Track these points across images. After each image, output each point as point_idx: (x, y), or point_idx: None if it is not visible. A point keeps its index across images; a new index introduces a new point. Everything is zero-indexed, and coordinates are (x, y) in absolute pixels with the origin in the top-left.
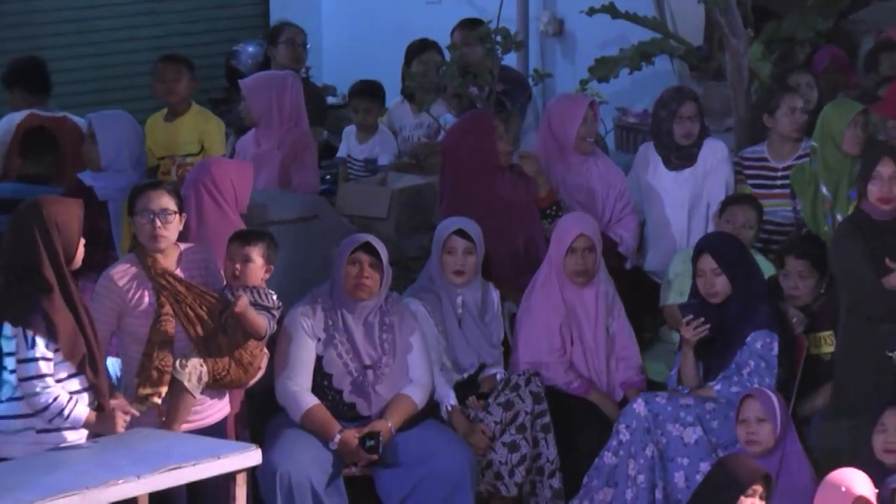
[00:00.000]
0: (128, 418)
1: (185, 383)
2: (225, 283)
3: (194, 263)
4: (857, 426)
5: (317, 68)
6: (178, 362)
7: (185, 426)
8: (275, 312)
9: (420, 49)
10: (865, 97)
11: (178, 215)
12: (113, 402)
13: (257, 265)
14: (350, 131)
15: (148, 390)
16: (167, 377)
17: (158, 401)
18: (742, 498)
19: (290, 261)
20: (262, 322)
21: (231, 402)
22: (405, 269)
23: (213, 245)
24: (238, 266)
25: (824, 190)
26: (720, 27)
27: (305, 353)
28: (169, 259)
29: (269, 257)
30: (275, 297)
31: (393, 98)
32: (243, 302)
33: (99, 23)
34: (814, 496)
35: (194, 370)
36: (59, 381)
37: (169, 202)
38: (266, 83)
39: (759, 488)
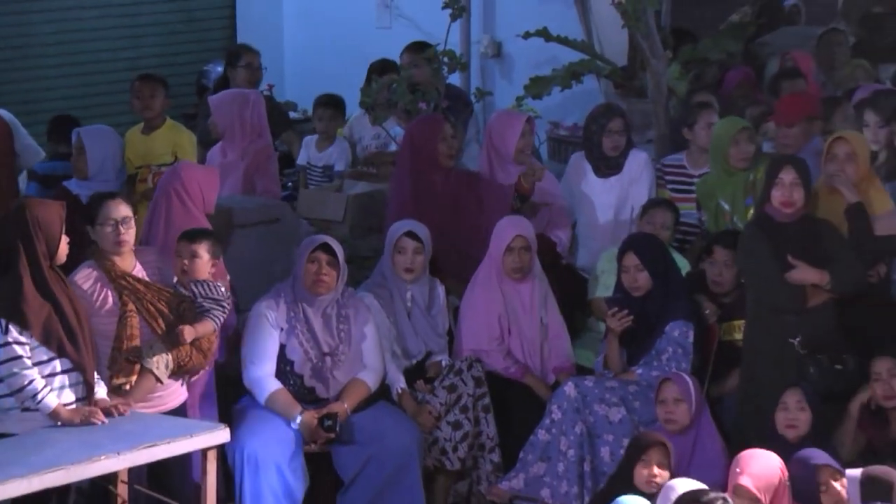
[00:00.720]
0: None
1: (154, 371)
2: (175, 279)
3: (148, 264)
4: (762, 405)
5: (279, 86)
6: (145, 353)
7: (151, 409)
8: (225, 304)
9: (381, 69)
10: (770, 114)
11: (133, 223)
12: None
13: (204, 261)
14: (310, 141)
15: (121, 380)
16: (137, 367)
17: (129, 388)
18: (638, 465)
19: (255, 259)
20: (210, 326)
21: (198, 385)
22: (359, 267)
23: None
24: (186, 262)
25: (722, 202)
26: (642, 50)
27: (270, 342)
28: (126, 262)
29: (214, 253)
30: (223, 288)
31: (351, 111)
32: (188, 333)
33: (84, 45)
34: (724, 468)
35: (161, 359)
36: (38, 363)
37: (127, 210)
38: (231, 100)
39: (654, 455)
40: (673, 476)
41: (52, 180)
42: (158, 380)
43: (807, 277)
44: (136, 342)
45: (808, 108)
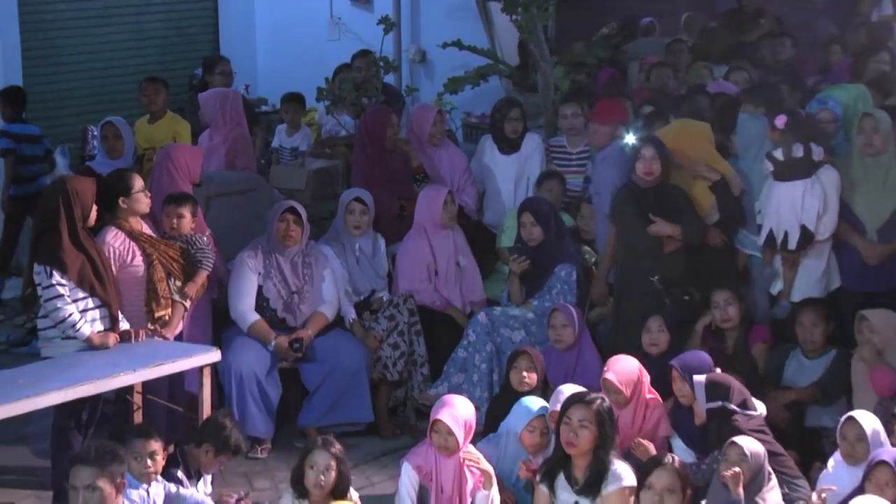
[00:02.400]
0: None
1: (182, 301)
2: (165, 234)
3: (148, 225)
4: (630, 329)
5: (253, 85)
6: (175, 293)
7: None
8: (208, 251)
9: (340, 69)
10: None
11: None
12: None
13: (187, 219)
14: (281, 129)
15: (162, 312)
16: (170, 300)
17: (167, 318)
18: (512, 372)
19: (237, 220)
20: (204, 275)
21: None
22: (318, 226)
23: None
24: (175, 221)
25: None
26: (533, 55)
27: (250, 284)
28: (138, 223)
29: (194, 212)
30: (205, 238)
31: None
32: (190, 289)
33: (99, 55)
34: (600, 377)
35: (185, 292)
36: (76, 300)
37: (141, 183)
38: (214, 97)
39: (522, 362)
40: (540, 378)
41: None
42: (185, 307)
43: (663, 230)
44: (164, 283)
45: (618, 114)
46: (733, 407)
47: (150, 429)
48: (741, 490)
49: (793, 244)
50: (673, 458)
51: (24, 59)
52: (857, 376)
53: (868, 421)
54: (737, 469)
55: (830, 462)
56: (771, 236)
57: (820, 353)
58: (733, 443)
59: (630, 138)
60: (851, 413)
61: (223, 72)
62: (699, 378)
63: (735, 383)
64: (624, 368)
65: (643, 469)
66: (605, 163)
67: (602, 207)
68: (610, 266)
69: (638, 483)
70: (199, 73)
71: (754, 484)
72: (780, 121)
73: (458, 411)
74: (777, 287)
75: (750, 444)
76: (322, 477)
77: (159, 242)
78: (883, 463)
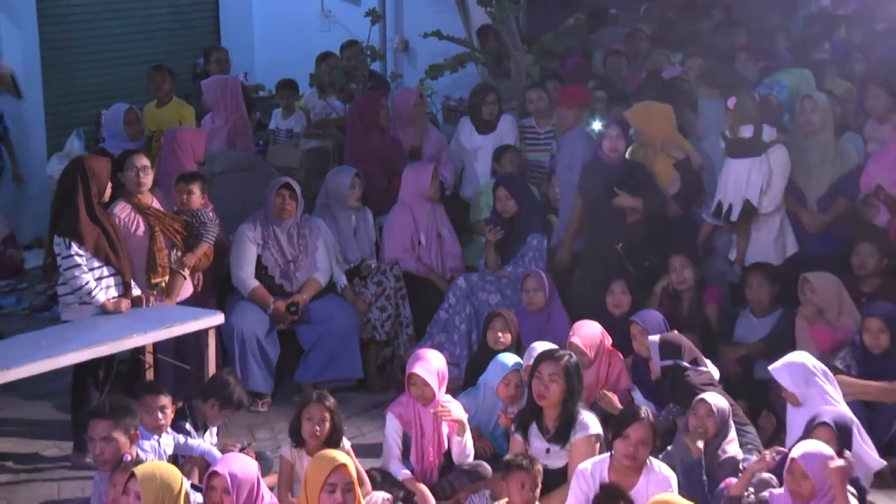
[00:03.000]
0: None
1: (180, 271)
2: (175, 208)
3: (158, 199)
4: (596, 292)
5: (251, 72)
6: (173, 262)
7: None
8: (211, 225)
9: (323, 57)
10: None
11: (150, 171)
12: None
13: (196, 195)
14: (277, 112)
15: (158, 279)
16: (168, 269)
17: (164, 285)
18: (488, 332)
19: (238, 196)
20: (204, 247)
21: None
22: (312, 200)
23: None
24: (185, 197)
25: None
26: (506, 45)
27: (250, 253)
28: (146, 198)
29: (203, 189)
30: (210, 214)
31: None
32: (188, 259)
33: (111, 46)
34: (568, 335)
35: (182, 262)
36: (92, 269)
37: (146, 161)
38: (215, 83)
39: (497, 323)
40: (514, 337)
41: None
42: (183, 277)
43: (626, 202)
44: (164, 253)
45: (581, 98)
46: (685, 364)
47: (160, 385)
48: (701, 445)
49: (734, 216)
50: (648, 412)
51: (41, 51)
52: (801, 333)
53: (799, 359)
54: (700, 443)
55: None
56: (719, 207)
57: (767, 312)
58: (702, 399)
59: (596, 124)
60: (789, 357)
61: (218, 60)
62: (654, 338)
63: (686, 342)
64: (588, 333)
65: (620, 420)
66: (571, 142)
67: (568, 181)
68: (573, 234)
69: (613, 433)
70: (202, 62)
71: (718, 437)
72: (731, 102)
73: (430, 364)
74: (733, 254)
75: (717, 401)
76: (317, 428)
77: (165, 216)
78: (823, 424)
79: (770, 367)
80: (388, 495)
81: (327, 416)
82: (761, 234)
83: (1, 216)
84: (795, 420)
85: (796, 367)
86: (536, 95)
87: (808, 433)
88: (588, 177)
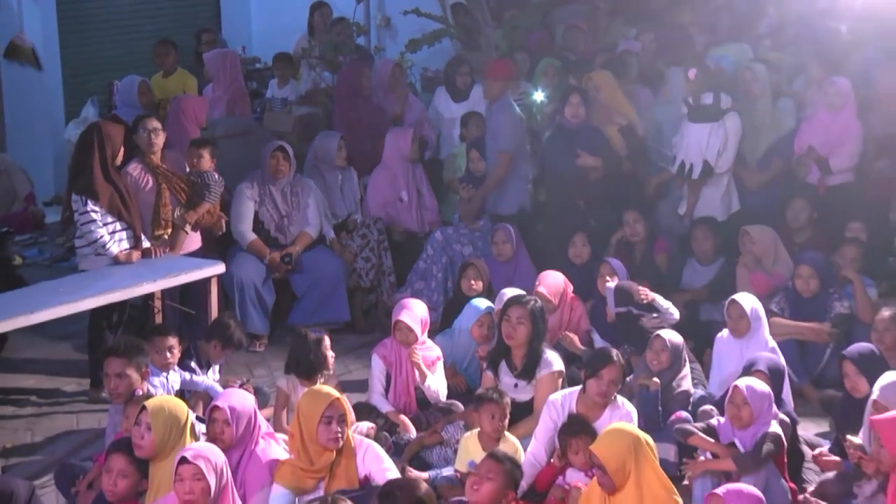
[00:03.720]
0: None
1: (183, 227)
2: (188, 169)
3: (170, 160)
4: (560, 245)
5: (249, 46)
6: (175, 214)
7: (180, 252)
8: (214, 186)
9: (317, 6)
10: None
11: (161, 132)
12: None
13: (205, 158)
14: (273, 82)
15: (161, 231)
16: (170, 223)
17: (166, 237)
18: (462, 280)
19: (238, 158)
20: (206, 206)
21: (205, 239)
22: (302, 161)
23: (180, 147)
24: (195, 160)
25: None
26: (477, 21)
27: (247, 209)
28: (157, 158)
29: (213, 154)
30: (216, 176)
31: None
32: (189, 217)
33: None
34: (534, 283)
35: (184, 217)
36: (106, 223)
37: (157, 124)
38: (216, 56)
39: (470, 272)
40: (485, 284)
41: None
42: (185, 232)
43: (587, 162)
44: (168, 209)
45: (508, 72)
46: (637, 311)
47: (168, 328)
48: (657, 381)
49: (696, 174)
50: (619, 356)
51: (59, 26)
52: (741, 279)
53: (748, 301)
54: (656, 379)
55: (721, 333)
56: (681, 167)
57: (711, 261)
58: (658, 335)
59: (539, 95)
60: (734, 296)
61: (209, 41)
62: (610, 286)
63: (638, 289)
64: (552, 282)
65: (594, 362)
66: (497, 112)
67: (496, 147)
68: (490, 191)
69: (587, 373)
70: (204, 37)
71: (672, 369)
72: (692, 73)
73: (414, 312)
74: (682, 208)
75: (672, 336)
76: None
77: (173, 175)
78: (759, 371)
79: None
80: (371, 424)
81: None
82: (711, 191)
83: (24, 176)
84: (722, 350)
85: (752, 301)
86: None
87: (746, 373)
88: (552, 141)
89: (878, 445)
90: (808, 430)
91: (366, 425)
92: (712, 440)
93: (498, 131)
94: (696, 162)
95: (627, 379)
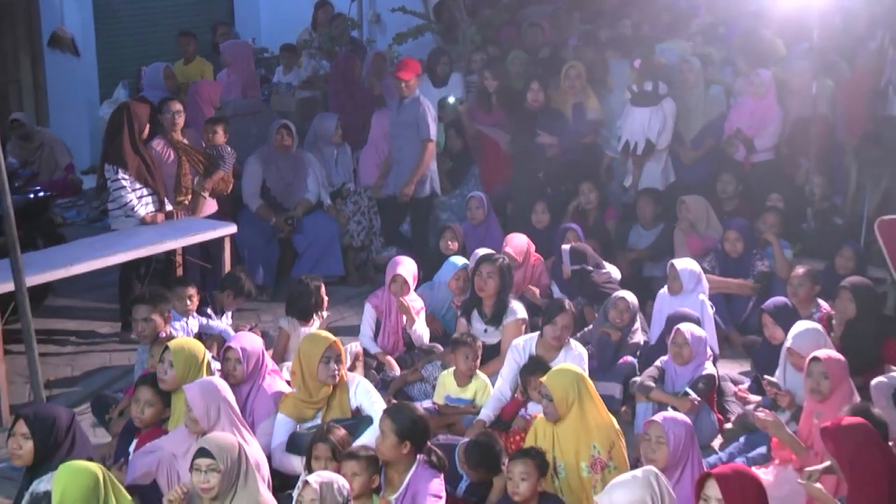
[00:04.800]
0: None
1: (201, 192)
2: (204, 144)
3: (189, 136)
4: (522, 213)
5: (258, 38)
6: (195, 182)
7: (199, 214)
8: (229, 159)
9: (321, 4)
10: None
11: (183, 113)
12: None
13: (219, 134)
14: (279, 69)
15: (181, 197)
16: (190, 190)
17: (187, 203)
18: (441, 241)
19: (247, 134)
20: (220, 174)
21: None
22: (303, 137)
23: (196, 125)
24: (210, 135)
25: None
26: (455, 17)
27: (256, 178)
28: (178, 135)
29: (226, 130)
30: (229, 149)
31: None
32: (207, 184)
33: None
34: (502, 244)
35: (202, 185)
36: (134, 189)
37: (180, 106)
38: (231, 46)
39: (447, 234)
40: (461, 245)
41: None
42: (203, 197)
43: (546, 140)
44: (188, 178)
45: (416, 69)
46: (589, 268)
47: (187, 279)
48: (619, 332)
49: (640, 151)
50: (571, 305)
51: (95, 19)
52: (677, 242)
53: (683, 265)
54: (618, 331)
55: (662, 290)
56: (626, 145)
57: (653, 226)
58: (623, 297)
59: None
60: (672, 261)
61: (223, 33)
62: (565, 247)
63: (590, 251)
64: (517, 243)
65: (550, 310)
66: (415, 105)
67: (417, 136)
68: (419, 176)
69: (543, 319)
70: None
71: (630, 326)
72: (637, 63)
73: (407, 268)
74: (628, 181)
75: (633, 299)
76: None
77: (191, 149)
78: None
79: (672, 261)
80: (358, 344)
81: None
82: (652, 166)
83: (64, 148)
84: (662, 304)
85: (690, 264)
86: (479, 57)
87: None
88: (517, 122)
89: (818, 380)
90: (733, 369)
91: (355, 344)
92: (669, 395)
93: (420, 122)
94: (639, 140)
95: (585, 329)
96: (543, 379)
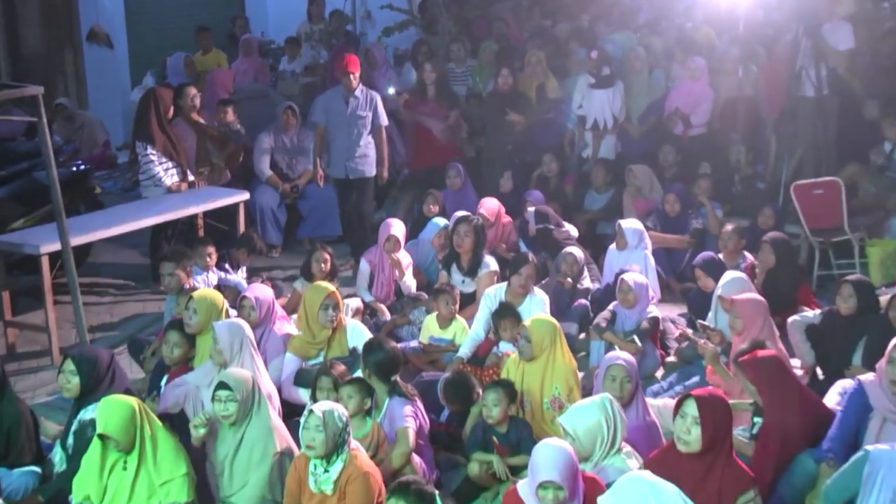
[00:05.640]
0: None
1: (221, 164)
2: (217, 123)
3: (205, 117)
4: (493, 178)
5: (267, 31)
6: (214, 157)
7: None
8: (238, 135)
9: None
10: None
11: (198, 97)
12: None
13: (229, 114)
14: (284, 58)
15: (202, 169)
16: (208, 162)
17: (206, 173)
18: (423, 207)
19: (257, 114)
20: (233, 147)
21: (235, 174)
22: (305, 118)
23: (211, 108)
24: (221, 115)
25: None
26: (436, 13)
27: (266, 152)
28: (195, 115)
29: (235, 110)
30: (238, 125)
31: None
32: (222, 158)
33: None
34: (477, 208)
35: (220, 157)
36: (161, 163)
37: (196, 91)
38: (245, 40)
39: (430, 199)
40: (441, 209)
41: None
42: (220, 168)
43: (514, 117)
44: (206, 152)
45: (359, 65)
46: (551, 227)
47: (207, 239)
48: (570, 280)
49: (609, 126)
50: (534, 258)
51: (126, 17)
52: (626, 204)
53: (629, 224)
54: (569, 279)
55: (612, 245)
56: (595, 123)
57: (605, 191)
58: (570, 252)
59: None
60: (620, 221)
61: (240, 25)
62: (531, 209)
63: (552, 212)
64: (490, 206)
65: (516, 263)
66: (368, 95)
67: (375, 123)
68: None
69: (511, 271)
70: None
71: (580, 276)
72: (594, 54)
73: (399, 229)
74: (587, 152)
75: (579, 253)
76: (323, 265)
77: (207, 127)
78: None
79: (619, 222)
80: (359, 301)
81: (327, 257)
82: (606, 139)
83: (101, 128)
84: (611, 258)
85: (635, 224)
86: (456, 47)
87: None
88: (489, 102)
89: (735, 317)
90: (673, 312)
91: (355, 301)
92: (618, 338)
93: (375, 110)
94: (607, 118)
95: (544, 280)
96: (526, 323)
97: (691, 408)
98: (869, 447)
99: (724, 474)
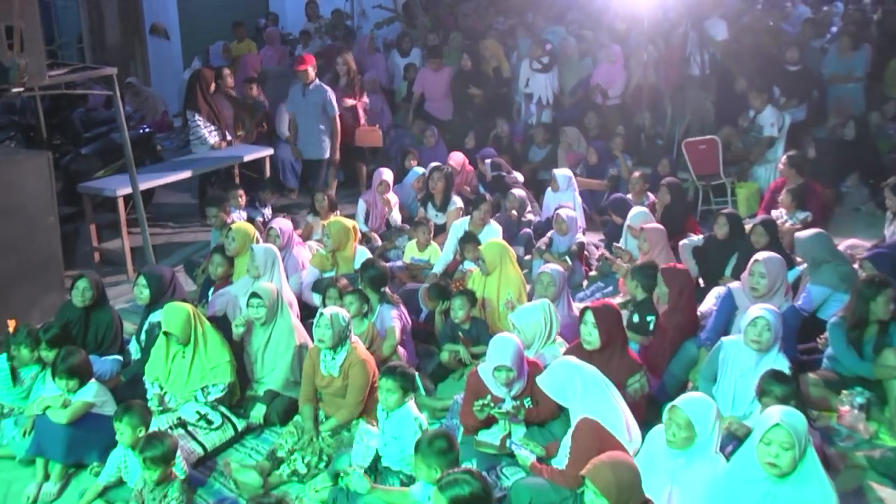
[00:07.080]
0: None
1: (247, 131)
2: (244, 96)
3: (237, 92)
4: (460, 138)
5: (284, 25)
6: (246, 122)
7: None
8: (262, 106)
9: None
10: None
11: (231, 77)
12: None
13: (254, 89)
14: (298, 47)
15: (241, 133)
16: (241, 126)
17: (240, 135)
18: (406, 159)
19: (279, 89)
20: (258, 115)
21: (261, 136)
22: None
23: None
24: (248, 90)
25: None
26: (416, 11)
27: (285, 118)
28: (231, 91)
29: (258, 86)
30: (262, 98)
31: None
32: (249, 125)
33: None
34: (447, 158)
35: (248, 124)
36: (206, 127)
37: (229, 72)
38: (270, 32)
39: (410, 155)
40: (419, 161)
41: None
42: (250, 132)
43: (474, 92)
44: (239, 117)
45: (312, 61)
46: (503, 174)
47: (239, 184)
48: (515, 213)
49: (549, 102)
50: (490, 198)
51: (179, 14)
52: (560, 156)
53: (562, 172)
54: (514, 212)
55: (547, 189)
56: (539, 100)
57: (544, 147)
58: (512, 193)
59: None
60: (554, 170)
61: (273, 20)
62: (487, 161)
63: (504, 163)
64: (457, 158)
65: (476, 202)
66: (321, 90)
67: (327, 114)
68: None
69: (472, 207)
70: (264, 20)
71: (523, 210)
72: (549, 46)
73: (389, 175)
74: (532, 119)
75: (520, 193)
76: (323, 203)
77: (237, 99)
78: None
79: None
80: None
81: (325, 198)
82: (546, 110)
83: (161, 99)
84: (549, 198)
85: (566, 172)
86: (431, 37)
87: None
88: (456, 80)
89: (643, 240)
90: (595, 238)
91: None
92: (554, 258)
93: (326, 103)
94: (548, 95)
95: (498, 214)
96: (481, 247)
97: (590, 316)
98: (724, 338)
99: (619, 363)
